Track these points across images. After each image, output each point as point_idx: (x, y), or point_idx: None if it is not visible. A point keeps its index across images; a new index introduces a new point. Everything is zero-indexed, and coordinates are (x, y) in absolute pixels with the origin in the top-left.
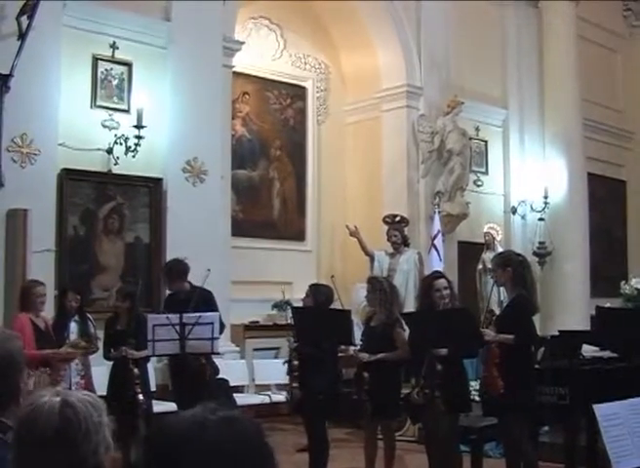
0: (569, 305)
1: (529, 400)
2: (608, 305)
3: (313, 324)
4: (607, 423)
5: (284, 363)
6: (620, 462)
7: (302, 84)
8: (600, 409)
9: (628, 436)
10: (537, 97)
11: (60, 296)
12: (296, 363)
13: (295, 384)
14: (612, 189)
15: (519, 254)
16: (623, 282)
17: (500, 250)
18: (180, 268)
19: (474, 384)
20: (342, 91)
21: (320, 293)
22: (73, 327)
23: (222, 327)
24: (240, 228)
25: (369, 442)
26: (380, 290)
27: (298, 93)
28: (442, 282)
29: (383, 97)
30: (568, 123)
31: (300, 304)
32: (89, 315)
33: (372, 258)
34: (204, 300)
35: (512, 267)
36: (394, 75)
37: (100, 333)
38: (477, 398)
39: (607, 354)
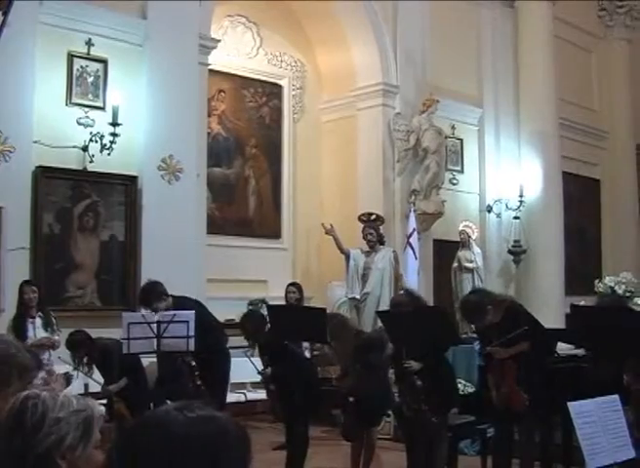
0: (544, 303)
1: (548, 404)
2: (583, 303)
3: (289, 321)
4: (581, 421)
5: (259, 373)
6: (594, 459)
7: (278, 82)
8: (574, 407)
9: (602, 433)
10: (512, 95)
11: (19, 291)
12: (272, 387)
13: (277, 405)
14: (586, 188)
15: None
16: (598, 280)
17: (476, 248)
18: (157, 289)
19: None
20: (318, 89)
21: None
22: (39, 322)
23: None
24: (216, 226)
25: (355, 449)
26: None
27: (273, 91)
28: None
29: (359, 95)
30: (543, 122)
31: (277, 302)
32: (52, 313)
33: (347, 257)
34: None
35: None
36: (370, 73)
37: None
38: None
39: (582, 352)
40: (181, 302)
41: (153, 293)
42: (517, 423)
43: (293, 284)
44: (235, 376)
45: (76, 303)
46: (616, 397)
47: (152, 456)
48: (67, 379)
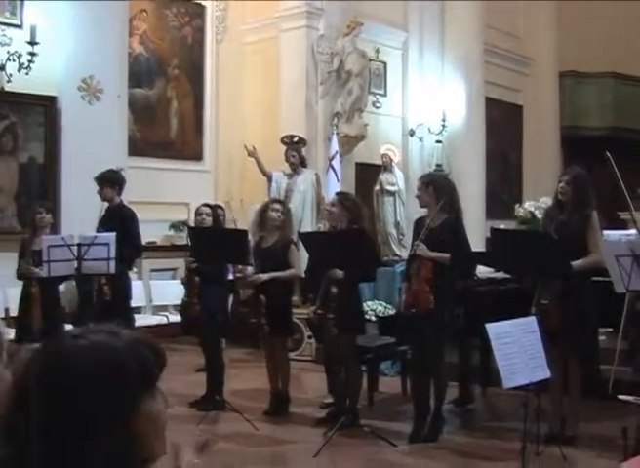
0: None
1: (455, 320)
2: (502, 227)
3: (210, 243)
4: (499, 342)
5: (182, 282)
6: (510, 379)
7: (202, 2)
8: (492, 329)
9: (518, 354)
10: (437, 20)
11: None
12: (197, 279)
13: (195, 300)
14: (509, 114)
15: (447, 178)
16: (518, 204)
17: (398, 172)
18: (110, 177)
19: (370, 304)
20: (242, 9)
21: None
22: None
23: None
24: (137, 148)
25: (269, 361)
26: (285, 212)
27: (197, 11)
28: (329, 201)
29: (283, 16)
30: (468, 47)
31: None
32: None
33: (269, 179)
34: (116, 218)
35: (434, 187)
36: None
37: None
38: (373, 318)
39: (501, 275)
40: (122, 208)
41: (115, 180)
42: (422, 330)
43: (218, 206)
44: (158, 299)
45: None
46: (532, 318)
47: (33, 383)
48: None
